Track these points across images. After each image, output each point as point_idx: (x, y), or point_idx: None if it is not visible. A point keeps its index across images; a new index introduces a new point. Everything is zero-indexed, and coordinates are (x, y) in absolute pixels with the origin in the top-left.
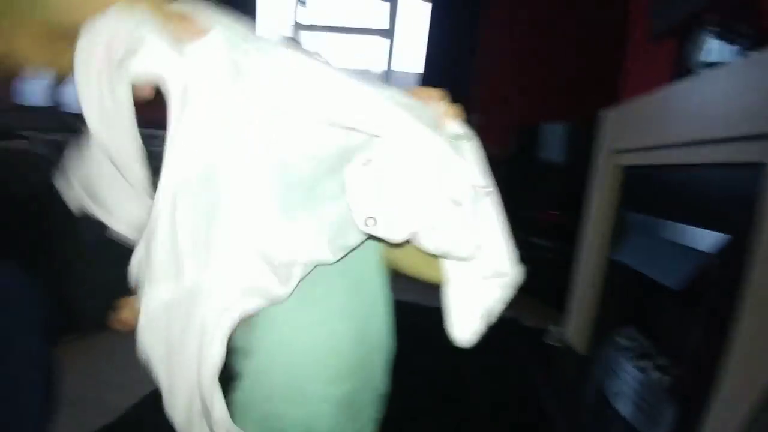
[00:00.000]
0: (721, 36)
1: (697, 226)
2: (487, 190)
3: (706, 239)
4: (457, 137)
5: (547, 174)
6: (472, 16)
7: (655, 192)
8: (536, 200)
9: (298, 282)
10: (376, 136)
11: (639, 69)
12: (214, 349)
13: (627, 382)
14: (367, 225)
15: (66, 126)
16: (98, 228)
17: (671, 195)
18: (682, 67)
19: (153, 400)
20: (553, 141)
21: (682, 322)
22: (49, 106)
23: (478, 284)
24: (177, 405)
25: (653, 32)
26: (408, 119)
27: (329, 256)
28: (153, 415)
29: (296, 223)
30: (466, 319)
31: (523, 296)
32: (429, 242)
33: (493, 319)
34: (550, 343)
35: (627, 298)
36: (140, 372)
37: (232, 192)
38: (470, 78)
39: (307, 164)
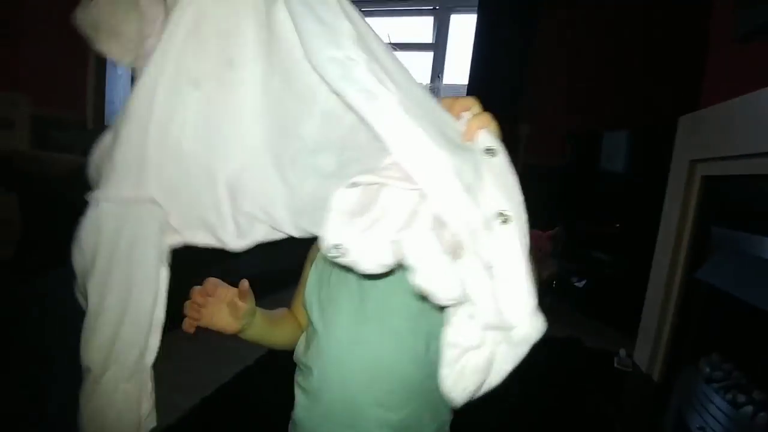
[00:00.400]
0: None
1: None
2: (505, 216)
3: None
4: (486, 151)
5: (608, 184)
6: (522, 24)
7: (746, 205)
8: (596, 211)
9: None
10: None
11: (720, 72)
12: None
13: (715, 417)
14: (331, 253)
15: None
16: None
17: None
18: None
19: (214, 401)
20: (615, 149)
21: None
22: None
23: (477, 334)
24: (100, 331)
25: (738, 32)
26: (417, 134)
27: (290, 230)
28: (214, 416)
29: (275, 176)
30: (457, 375)
31: (583, 315)
32: (409, 277)
33: (495, 382)
34: (620, 368)
35: (712, 321)
36: (201, 374)
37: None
38: (520, 87)
39: (316, 125)
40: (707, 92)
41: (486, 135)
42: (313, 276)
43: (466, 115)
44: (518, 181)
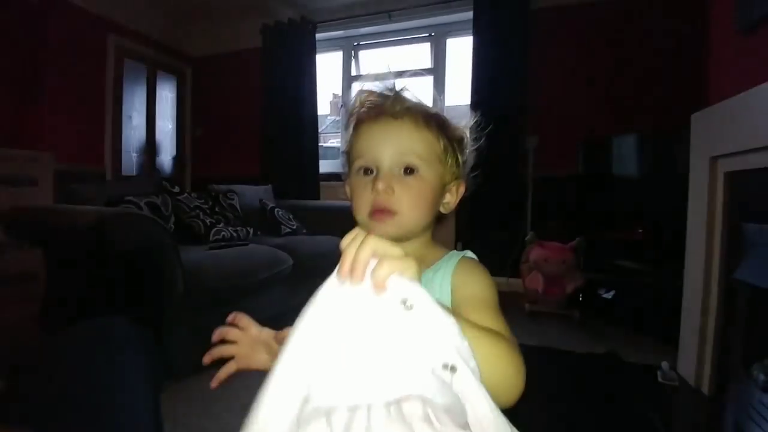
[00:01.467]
0: None
1: None
2: (451, 365)
3: None
4: (402, 303)
5: (625, 189)
6: (518, 40)
7: None
8: (616, 219)
9: None
10: None
11: (727, 67)
12: None
13: None
14: None
15: (159, 189)
16: (189, 278)
17: None
18: None
19: None
20: (627, 153)
21: None
22: (143, 174)
23: None
24: None
25: (740, 24)
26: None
27: None
28: None
29: None
30: None
31: (617, 327)
32: None
33: None
34: (665, 382)
35: (759, 323)
36: (232, 418)
37: None
38: (524, 101)
39: None
40: (713, 87)
41: (397, 282)
42: None
43: (372, 263)
44: (451, 323)
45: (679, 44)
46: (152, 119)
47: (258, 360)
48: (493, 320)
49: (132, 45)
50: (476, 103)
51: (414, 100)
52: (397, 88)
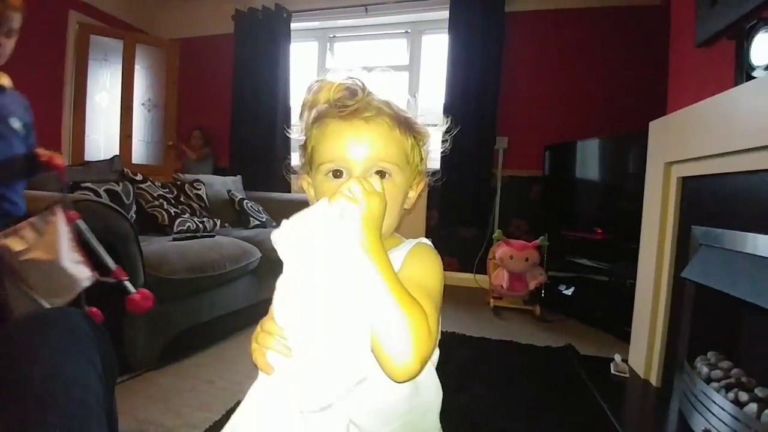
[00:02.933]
0: None
1: None
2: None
3: None
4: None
5: (587, 191)
6: (491, 42)
7: (722, 202)
8: (578, 219)
9: None
10: None
11: (684, 78)
12: None
13: (719, 418)
14: None
15: (120, 176)
16: (151, 269)
17: (752, 204)
18: (740, 71)
19: None
20: (590, 157)
21: None
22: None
23: None
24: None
25: (699, 39)
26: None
27: None
28: None
29: None
30: None
31: (576, 322)
32: None
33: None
34: (617, 374)
35: (703, 319)
36: (192, 413)
37: None
38: (494, 102)
39: None
40: (672, 97)
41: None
42: None
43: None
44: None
45: (644, 55)
46: (129, 99)
47: None
48: (425, 301)
49: (98, 24)
50: (450, 102)
51: (383, 99)
52: (368, 87)
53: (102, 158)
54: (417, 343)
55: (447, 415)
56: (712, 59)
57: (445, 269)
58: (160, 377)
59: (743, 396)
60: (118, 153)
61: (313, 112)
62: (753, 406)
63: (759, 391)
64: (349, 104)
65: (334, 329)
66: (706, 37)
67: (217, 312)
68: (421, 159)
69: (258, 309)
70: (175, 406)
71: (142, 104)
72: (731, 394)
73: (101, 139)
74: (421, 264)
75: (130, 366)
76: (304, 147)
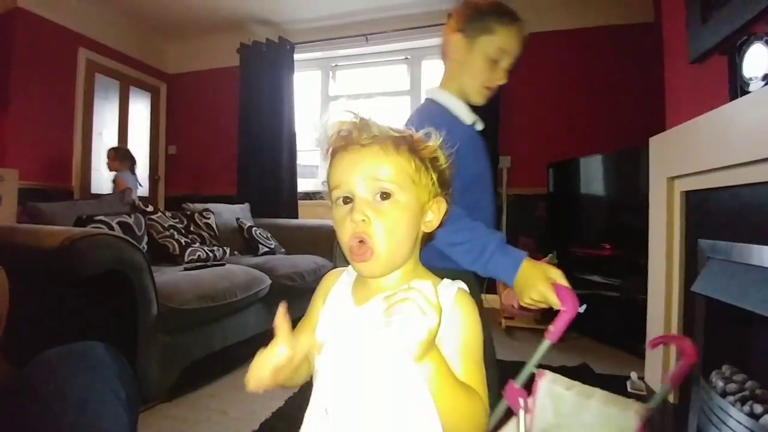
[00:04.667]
0: None
1: None
2: None
3: None
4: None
5: (593, 207)
6: None
7: (730, 215)
8: (586, 236)
9: None
10: None
11: (681, 94)
12: None
13: (736, 431)
14: None
15: (132, 208)
16: (163, 300)
17: (757, 216)
18: (734, 85)
19: None
20: (593, 174)
21: None
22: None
23: None
24: None
25: (692, 55)
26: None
27: None
28: None
29: None
30: None
31: (590, 340)
32: None
33: None
34: (634, 392)
35: (717, 333)
36: None
37: None
38: (496, 122)
39: None
40: (670, 113)
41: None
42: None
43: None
44: None
45: (641, 71)
46: (124, 136)
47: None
48: (476, 370)
49: (104, 60)
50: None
51: (380, 125)
52: (364, 116)
53: (105, 192)
54: (481, 425)
55: None
56: (706, 75)
57: None
58: (173, 409)
59: (758, 408)
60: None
61: (328, 149)
62: None
63: None
64: (347, 135)
65: None
66: (699, 53)
67: (229, 341)
68: (433, 180)
69: (268, 337)
70: None
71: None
72: (746, 407)
73: (108, 174)
74: (468, 325)
75: (142, 398)
76: (327, 183)
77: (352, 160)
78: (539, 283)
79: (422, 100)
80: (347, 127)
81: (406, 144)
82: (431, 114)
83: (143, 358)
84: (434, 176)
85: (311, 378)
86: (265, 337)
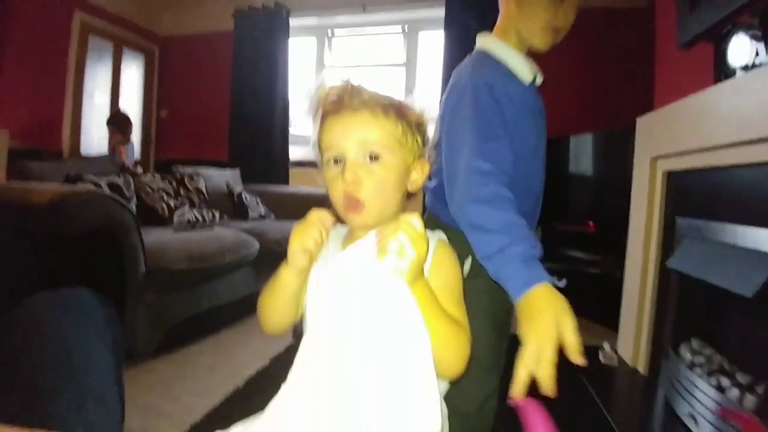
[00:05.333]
0: (759, 37)
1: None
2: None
3: None
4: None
5: (579, 185)
6: None
7: (708, 195)
8: (570, 213)
9: None
10: None
11: (669, 77)
12: None
13: (703, 403)
14: None
15: (121, 169)
16: (152, 260)
17: (732, 197)
18: (719, 71)
19: (202, 428)
20: (582, 152)
21: (756, 329)
22: (105, 155)
23: None
24: None
25: (681, 40)
26: None
27: None
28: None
29: None
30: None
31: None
32: None
33: None
34: (606, 362)
35: (688, 308)
36: (192, 400)
37: None
38: None
39: None
40: (659, 94)
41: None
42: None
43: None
44: None
45: (634, 53)
46: (116, 98)
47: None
48: (458, 310)
49: (98, 21)
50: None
51: (369, 92)
52: (354, 82)
53: (95, 154)
54: (465, 356)
55: None
56: (693, 59)
57: None
58: (160, 365)
59: (725, 382)
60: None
61: (318, 112)
62: (735, 392)
63: (740, 377)
64: (339, 100)
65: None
66: (687, 39)
67: (216, 302)
68: (418, 142)
69: (256, 299)
70: (176, 393)
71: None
72: (714, 380)
73: (98, 135)
74: (449, 269)
75: (130, 354)
76: (317, 145)
77: (344, 124)
78: (542, 324)
79: (417, 74)
80: (338, 92)
81: (393, 109)
82: (483, 72)
83: (130, 316)
84: (419, 139)
85: (291, 349)
86: (253, 299)
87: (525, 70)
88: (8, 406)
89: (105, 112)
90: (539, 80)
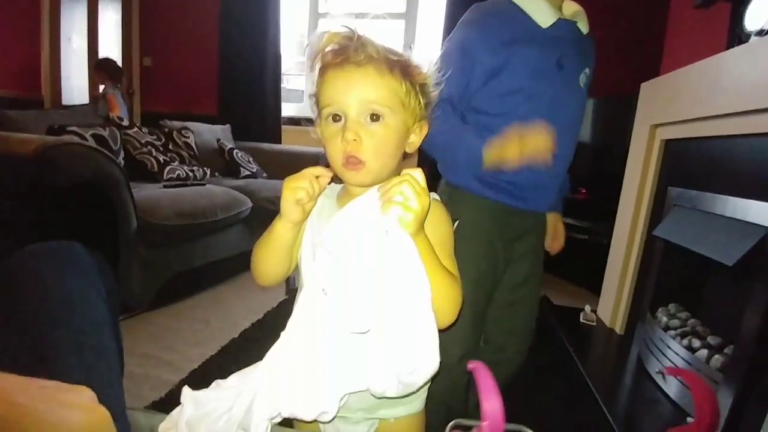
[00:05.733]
0: None
1: (754, 198)
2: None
3: (763, 212)
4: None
5: (575, 152)
6: None
7: (701, 165)
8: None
9: None
10: None
11: (681, 40)
12: None
13: (673, 361)
14: None
15: (106, 121)
16: (143, 215)
17: (725, 168)
18: (732, 35)
19: (200, 375)
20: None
21: (734, 298)
22: (87, 104)
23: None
24: None
25: (697, 0)
26: None
27: None
28: (201, 388)
29: None
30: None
31: (554, 277)
32: None
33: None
34: (585, 322)
35: (669, 274)
36: (184, 351)
37: None
38: None
39: None
40: (667, 59)
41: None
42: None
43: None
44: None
45: (643, 17)
46: (95, 43)
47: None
48: (451, 263)
49: None
50: None
51: (377, 45)
52: (360, 33)
53: (77, 103)
54: (458, 305)
55: None
56: (708, 22)
57: None
58: (157, 317)
59: (696, 343)
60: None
61: (317, 62)
62: (704, 352)
63: (711, 339)
64: (342, 52)
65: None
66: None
67: (210, 258)
68: (420, 104)
69: (248, 257)
70: (172, 343)
71: (114, 45)
72: (685, 341)
73: (78, 83)
74: (442, 225)
75: (125, 306)
76: (314, 98)
77: (348, 80)
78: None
79: (418, 26)
80: (342, 42)
81: (399, 67)
82: (488, 7)
83: (124, 269)
84: (422, 100)
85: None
86: (246, 256)
87: (543, 13)
88: (6, 350)
89: (84, 58)
90: (584, 29)
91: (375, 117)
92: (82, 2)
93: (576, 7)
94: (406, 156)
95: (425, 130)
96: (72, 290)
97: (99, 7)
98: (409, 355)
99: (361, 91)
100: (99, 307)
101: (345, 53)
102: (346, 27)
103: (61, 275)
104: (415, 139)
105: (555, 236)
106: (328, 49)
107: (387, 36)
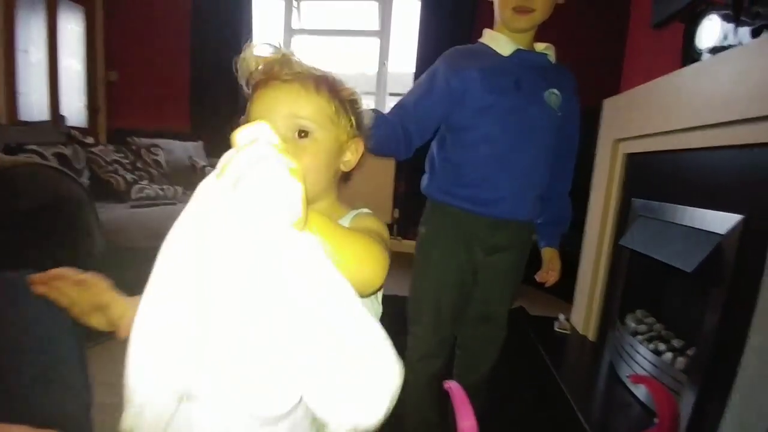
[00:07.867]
0: (730, 18)
1: (710, 208)
2: None
3: (717, 221)
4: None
5: None
6: (463, 11)
7: (662, 177)
8: None
9: None
10: None
11: (639, 58)
12: None
13: (641, 365)
14: None
15: (68, 139)
16: (109, 238)
17: (682, 180)
18: (686, 53)
19: None
20: None
21: (695, 302)
22: (48, 120)
23: None
24: None
25: (654, 20)
26: None
27: None
28: None
29: None
30: None
31: (530, 288)
32: None
33: None
34: (559, 331)
35: (635, 282)
36: None
37: None
38: None
39: None
40: (627, 76)
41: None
42: None
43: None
44: None
45: (605, 33)
46: (54, 56)
47: (93, 320)
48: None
49: None
50: (421, 70)
51: (302, 63)
52: (287, 52)
53: (37, 119)
54: (383, 262)
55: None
56: (665, 41)
57: (412, 238)
58: (124, 344)
59: (661, 346)
60: (60, 114)
61: (249, 85)
62: (669, 355)
63: (675, 342)
64: (268, 69)
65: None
66: (661, 18)
67: None
68: (351, 121)
69: None
70: None
71: (77, 59)
72: (652, 345)
73: (37, 99)
74: (367, 222)
75: (91, 335)
76: (246, 119)
77: (273, 97)
78: None
79: (391, 44)
80: (268, 61)
81: (326, 84)
82: (461, 47)
83: None
84: (352, 118)
85: None
86: None
87: (502, 45)
88: None
89: (44, 72)
90: (550, 56)
91: (303, 133)
92: (40, 12)
93: (546, 45)
94: (346, 176)
95: (361, 148)
96: (35, 323)
97: (58, 18)
98: (365, 380)
99: (287, 107)
100: (63, 339)
101: (271, 71)
102: (272, 45)
103: (23, 308)
104: (351, 157)
105: (550, 269)
106: (256, 69)
107: (361, 52)
